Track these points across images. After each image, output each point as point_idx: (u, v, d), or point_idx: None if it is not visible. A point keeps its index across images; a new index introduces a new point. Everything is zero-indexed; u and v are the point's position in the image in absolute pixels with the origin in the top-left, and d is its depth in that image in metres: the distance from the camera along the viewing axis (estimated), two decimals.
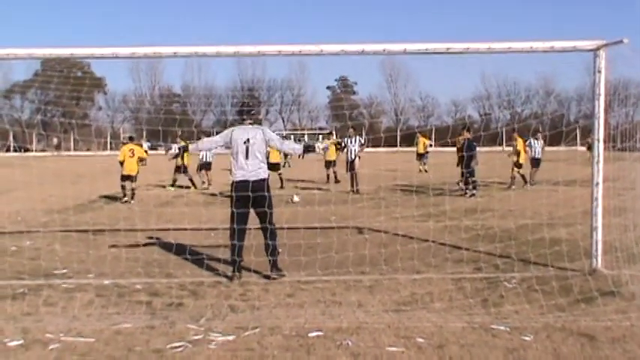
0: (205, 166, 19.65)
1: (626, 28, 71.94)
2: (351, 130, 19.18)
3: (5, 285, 6.71)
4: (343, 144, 19.36)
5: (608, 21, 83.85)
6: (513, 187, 18.10)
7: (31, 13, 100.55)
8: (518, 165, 18.49)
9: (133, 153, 15.89)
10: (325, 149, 8.60)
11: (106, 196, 16.38)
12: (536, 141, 19.00)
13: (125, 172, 15.76)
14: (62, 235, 9.77)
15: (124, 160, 15.82)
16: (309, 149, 7.87)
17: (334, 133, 23.77)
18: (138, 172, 16.05)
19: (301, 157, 42.51)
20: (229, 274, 7.05)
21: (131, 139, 17.51)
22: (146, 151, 20.24)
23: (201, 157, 19.63)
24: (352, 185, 17.78)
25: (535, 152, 18.84)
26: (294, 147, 8.05)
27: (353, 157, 18.15)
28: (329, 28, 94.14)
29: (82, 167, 25.24)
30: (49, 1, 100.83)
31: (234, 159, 7.20)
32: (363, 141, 19.30)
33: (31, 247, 8.86)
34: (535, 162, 18.88)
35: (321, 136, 40.08)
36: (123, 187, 15.74)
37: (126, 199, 15.53)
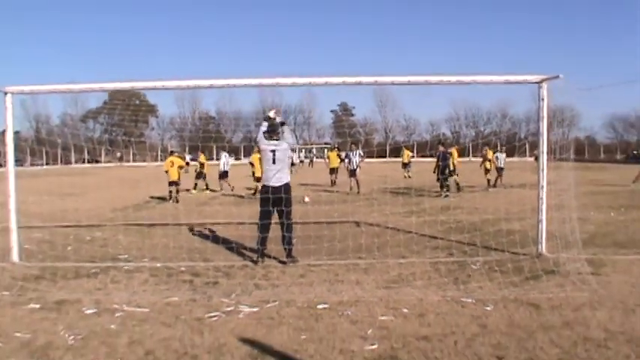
0: (223, 175, 19.31)
1: (566, 65, 72.23)
2: (352, 145, 19.21)
3: (82, 266, 6.80)
4: (345, 155, 19.37)
5: (558, 59, 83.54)
6: (489, 188, 18.25)
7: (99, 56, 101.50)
8: (489, 172, 18.99)
9: (173, 164, 16.06)
10: (277, 112, 7.32)
11: (157, 197, 16.45)
12: (501, 154, 19.30)
13: (170, 179, 15.92)
14: (124, 227, 9.84)
15: (167, 170, 16.02)
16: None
17: (338, 147, 23.76)
18: (179, 177, 16.10)
19: (311, 165, 42.71)
20: (255, 259, 7.07)
21: (171, 153, 17.63)
22: (187, 163, 20.32)
23: (220, 167, 19.40)
24: (351, 188, 17.74)
25: (500, 162, 19.05)
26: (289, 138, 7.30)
27: (354, 166, 18.14)
28: (330, 63, 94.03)
29: (139, 175, 25.30)
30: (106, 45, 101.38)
31: (263, 165, 7.20)
32: (362, 153, 19.21)
33: (101, 237, 8.95)
34: (500, 170, 19.07)
35: (326, 149, 40.03)
36: (170, 192, 15.84)
37: (171, 200, 15.54)
